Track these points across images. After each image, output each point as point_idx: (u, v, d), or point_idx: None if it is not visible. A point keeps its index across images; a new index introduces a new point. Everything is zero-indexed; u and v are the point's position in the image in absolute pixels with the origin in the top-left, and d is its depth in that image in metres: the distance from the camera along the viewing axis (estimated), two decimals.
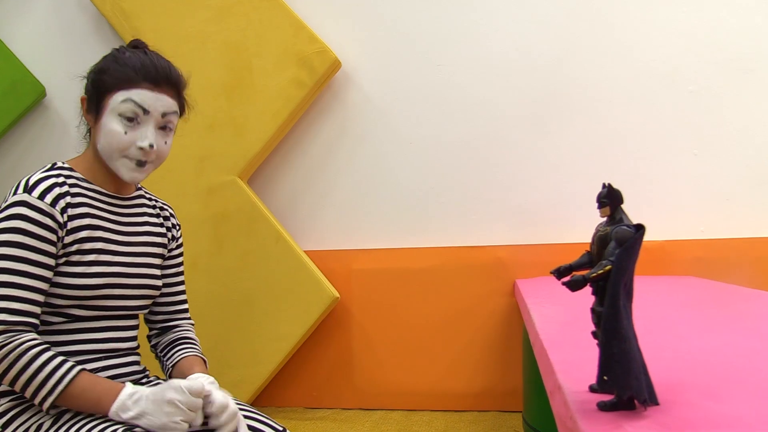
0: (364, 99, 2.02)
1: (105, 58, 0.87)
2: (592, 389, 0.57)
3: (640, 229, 0.51)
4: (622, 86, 1.88)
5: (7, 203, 0.78)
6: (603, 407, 0.51)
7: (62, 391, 0.74)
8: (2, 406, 0.80)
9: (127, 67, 0.83)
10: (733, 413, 0.48)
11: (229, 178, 1.97)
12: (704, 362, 0.65)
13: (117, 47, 0.89)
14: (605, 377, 0.49)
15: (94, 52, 2.06)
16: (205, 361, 0.94)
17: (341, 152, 2.03)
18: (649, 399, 0.50)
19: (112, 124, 0.82)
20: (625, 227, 0.52)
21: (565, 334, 0.86)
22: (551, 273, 0.59)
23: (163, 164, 2.13)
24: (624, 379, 0.48)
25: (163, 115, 0.84)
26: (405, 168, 1.99)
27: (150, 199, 0.98)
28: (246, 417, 0.82)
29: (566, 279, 0.53)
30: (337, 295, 1.87)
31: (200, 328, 1.09)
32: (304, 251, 1.95)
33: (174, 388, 0.73)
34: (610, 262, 0.51)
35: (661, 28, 1.87)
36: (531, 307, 1.18)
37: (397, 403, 1.90)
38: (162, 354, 0.97)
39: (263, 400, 1.97)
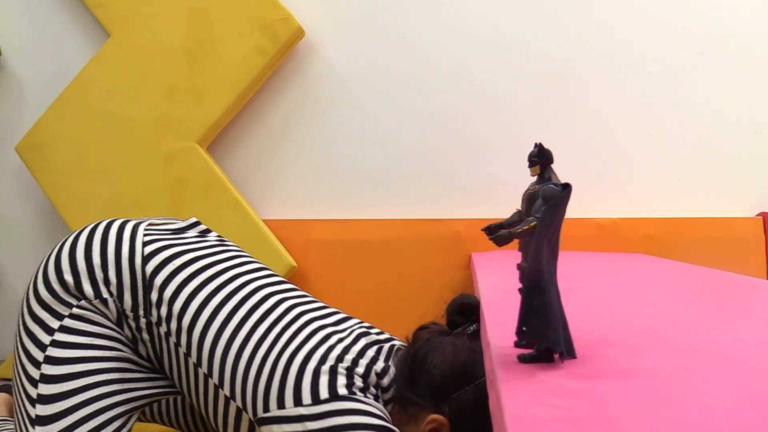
0: (327, 69, 2.01)
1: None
2: (516, 346, 0.58)
3: (566, 187, 0.53)
4: (585, 66, 1.90)
5: None
6: (522, 359, 0.53)
7: None
8: None
9: None
10: (644, 365, 0.50)
11: (188, 144, 1.94)
12: (628, 325, 0.67)
13: None
14: (524, 328, 0.50)
15: (49, 8, 2.02)
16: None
17: (302, 122, 2.02)
18: (567, 352, 0.52)
19: None
20: (552, 186, 0.53)
21: (505, 299, 0.88)
22: (482, 230, 0.60)
23: (121, 129, 2.10)
24: (542, 330, 0.50)
25: None
26: (366, 140, 1.99)
27: None
28: None
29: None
30: (294, 263, 1.88)
31: None
32: (263, 220, 1.95)
33: None
34: (536, 218, 0.52)
35: (623, 10, 1.89)
36: (480, 277, 1.20)
37: None
38: None
39: None
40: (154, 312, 0.89)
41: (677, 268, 1.35)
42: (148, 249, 0.92)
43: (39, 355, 0.86)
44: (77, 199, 1.95)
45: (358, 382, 0.84)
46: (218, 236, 1.06)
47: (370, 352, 0.91)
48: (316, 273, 1.94)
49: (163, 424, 1.18)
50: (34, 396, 0.85)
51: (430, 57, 1.96)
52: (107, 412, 0.86)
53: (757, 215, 1.88)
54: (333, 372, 0.84)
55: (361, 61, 1.99)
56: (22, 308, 0.91)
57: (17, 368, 0.89)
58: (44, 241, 2.11)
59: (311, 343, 0.87)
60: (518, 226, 0.53)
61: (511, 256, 0.59)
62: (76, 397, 0.85)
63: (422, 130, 1.96)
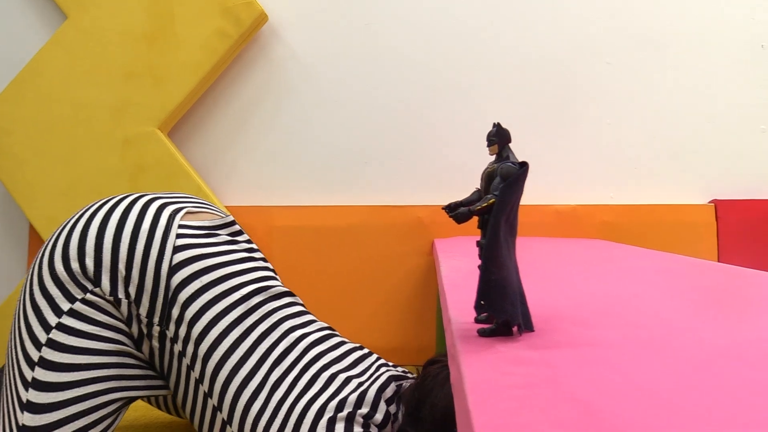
0: (290, 55, 2.00)
1: None
2: (476, 321, 0.60)
3: (524, 166, 0.54)
4: (544, 56, 1.94)
5: None
6: (482, 333, 0.54)
7: None
8: None
9: None
10: (597, 336, 0.52)
11: (148, 129, 1.91)
12: (584, 302, 0.70)
13: None
14: (482, 302, 0.52)
15: None
16: None
17: (265, 108, 2.01)
18: (525, 325, 0.54)
19: None
20: (510, 164, 0.55)
21: (466, 280, 0.90)
22: (442, 209, 0.61)
23: (78, 114, 2.04)
24: (500, 304, 0.51)
25: None
26: (329, 127, 1.99)
27: None
28: None
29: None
30: None
31: None
32: (225, 206, 1.93)
33: None
34: (494, 195, 0.53)
35: (583, 1, 1.93)
36: (442, 261, 1.22)
37: None
38: None
39: None
40: (172, 327, 0.87)
41: (632, 252, 1.39)
42: (177, 258, 0.89)
43: (42, 336, 0.82)
44: (33, 185, 1.91)
45: (374, 430, 0.85)
46: (248, 240, 1.04)
47: (389, 392, 0.91)
48: (279, 259, 1.94)
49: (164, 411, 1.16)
50: (29, 379, 0.81)
51: (394, 44, 1.97)
52: (101, 410, 0.84)
53: (709, 202, 1.95)
54: (350, 420, 0.83)
55: (324, 47, 1.99)
56: (31, 276, 0.86)
57: (14, 343, 0.84)
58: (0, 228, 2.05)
59: (328, 392, 0.86)
60: (477, 204, 0.54)
61: (473, 241, 0.60)
62: (72, 390, 0.82)
63: (385, 116, 1.97)
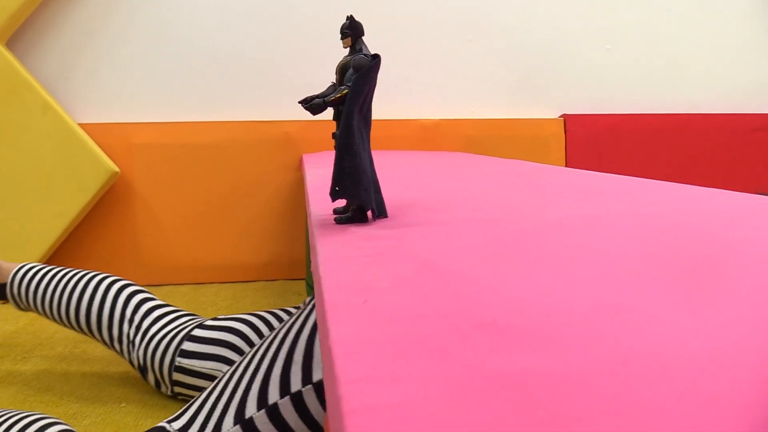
0: None
1: None
2: (334, 213, 0.62)
3: (376, 57, 0.56)
4: None
5: None
6: (339, 221, 0.57)
7: None
8: None
9: None
10: (444, 218, 0.57)
11: None
12: (436, 195, 0.75)
13: None
14: (337, 188, 0.54)
15: None
16: None
17: (117, 17, 1.87)
18: (378, 211, 0.57)
19: None
20: (363, 56, 0.56)
21: (329, 182, 0.92)
22: (299, 102, 0.62)
23: None
24: (353, 190, 0.54)
25: None
26: (190, 38, 1.89)
27: None
28: None
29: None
30: (117, 169, 1.78)
31: None
32: (78, 124, 1.81)
33: None
34: (347, 86, 0.55)
35: None
36: (308, 171, 1.23)
37: (185, 278, 1.90)
38: None
39: None
40: None
41: (489, 161, 1.48)
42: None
43: None
44: None
45: None
46: None
47: None
48: (140, 179, 1.86)
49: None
50: None
51: None
52: None
53: (560, 116, 2.09)
54: None
55: None
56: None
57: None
58: None
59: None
60: (331, 95, 0.55)
61: None
62: None
63: (251, 26, 1.90)
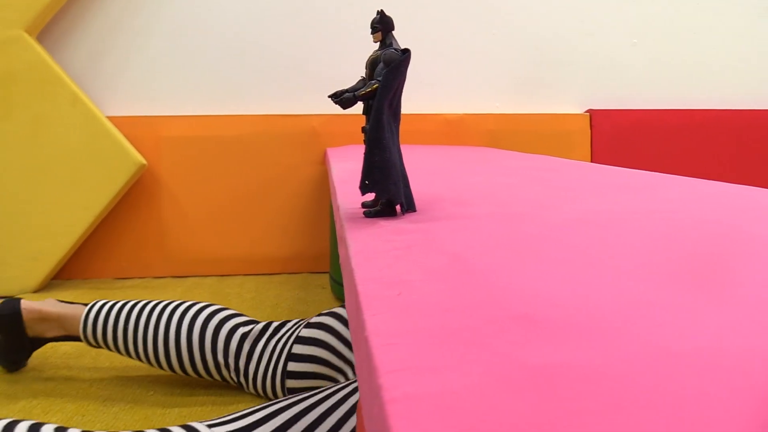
0: None
1: None
2: (363, 206, 0.63)
3: (406, 52, 0.56)
4: None
5: None
6: (368, 214, 0.57)
7: None
8: None
9: None
10: (472, 212, 0.57)
11: (15, 32, 1.75)
12: (464, 189, 0.75)
13: None
14: (366, 182, 0.54)
15: None
16: None
17: (144, 11, 1.89)
18: (407, 206, 0.58)
19: None
20: (393, 50, 0.57)
21: (355, 176, 0.93)
22: (328, 96, 0.62)
23: None
24: (383, 184, 0.54)
25: None
26: (217, 32, 1.91)
27: None
28: None
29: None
30: (144, 162, 1.81)
31: None
32: (107, 117, 1.84)
33: None
34: (377, 80, 0.55)
35: None
36: (333, 165, 1.24)
37: (209, 270, 1.92)
38: None
39: (67, 272, 1.89)
40: None
41: (514, 156, 1.48)
42: None
43: None
44: None
45: None
46: None
47: None
48: (168, 171, 1.89)
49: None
50: None
51: None
52: None
53: (585, 112, 2.07)
54: None
55: None
56: None
57: None
58: None
59: None
60: (361, 89, 0.56)
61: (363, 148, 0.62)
62: None
63: (278, 20, 1.91)
